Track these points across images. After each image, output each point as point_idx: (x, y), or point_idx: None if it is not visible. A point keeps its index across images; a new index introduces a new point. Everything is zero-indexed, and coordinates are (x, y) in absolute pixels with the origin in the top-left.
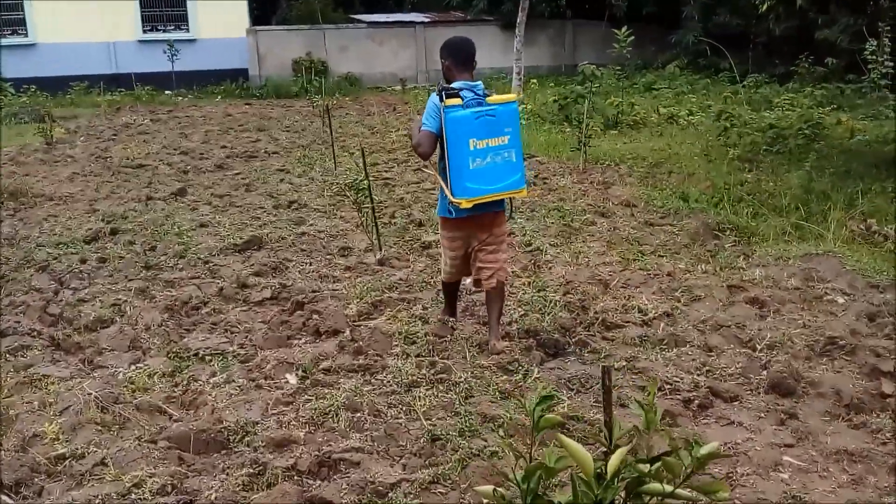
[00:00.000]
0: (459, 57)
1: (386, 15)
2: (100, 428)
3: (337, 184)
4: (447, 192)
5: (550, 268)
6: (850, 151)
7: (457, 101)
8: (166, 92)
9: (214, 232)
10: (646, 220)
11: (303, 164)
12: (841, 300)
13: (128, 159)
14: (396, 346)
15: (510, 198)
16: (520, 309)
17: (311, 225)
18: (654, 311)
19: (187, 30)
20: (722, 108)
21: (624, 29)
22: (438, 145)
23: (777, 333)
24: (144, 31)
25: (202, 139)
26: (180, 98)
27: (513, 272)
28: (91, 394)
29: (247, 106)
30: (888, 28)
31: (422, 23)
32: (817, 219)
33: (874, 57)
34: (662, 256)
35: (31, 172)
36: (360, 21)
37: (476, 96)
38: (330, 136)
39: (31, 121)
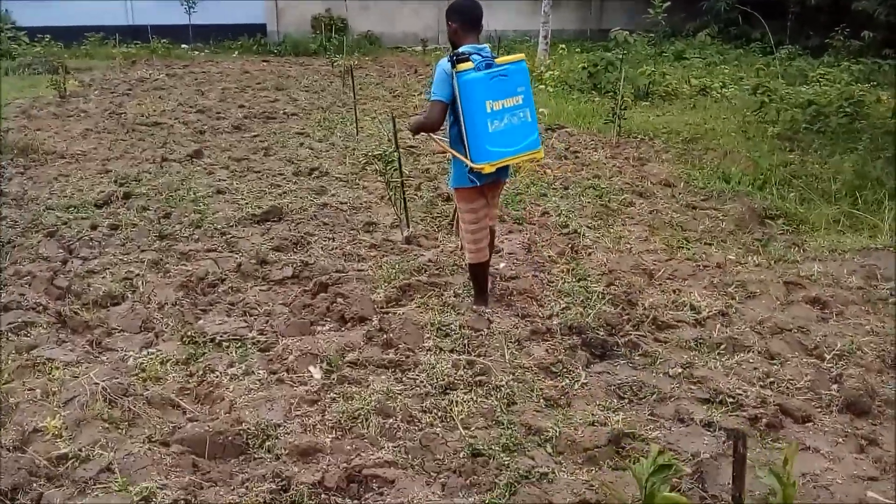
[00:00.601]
0: (467, 19)
1: None
2: (107, 425)
3: (359, 151)
4: (465, 160)
5: (590, 253)
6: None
7: (468, 64)
8: (183, 46)
9: (232, 199)
10: (687, 203)
11: (323, 127)
12: None
13: (143, 116)
14: (428, 338)
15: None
16: (560, 301)
17: (333, 195)
18: (707, 310)
19: None
20: (758, 82)
21: None
22: (450, 113)
23: (844, 341)
24: None
25: (219, 97)
26: (197, 53)
27: (549, 257)
28: (98, 384)
29: (264, 63)
30: None
31: None
32: (871, 207)
33: None
34: (709, 244)
35: (43, 127)
36: None
37: (484, 58)
38: (353, 100)
39: (45, 72)
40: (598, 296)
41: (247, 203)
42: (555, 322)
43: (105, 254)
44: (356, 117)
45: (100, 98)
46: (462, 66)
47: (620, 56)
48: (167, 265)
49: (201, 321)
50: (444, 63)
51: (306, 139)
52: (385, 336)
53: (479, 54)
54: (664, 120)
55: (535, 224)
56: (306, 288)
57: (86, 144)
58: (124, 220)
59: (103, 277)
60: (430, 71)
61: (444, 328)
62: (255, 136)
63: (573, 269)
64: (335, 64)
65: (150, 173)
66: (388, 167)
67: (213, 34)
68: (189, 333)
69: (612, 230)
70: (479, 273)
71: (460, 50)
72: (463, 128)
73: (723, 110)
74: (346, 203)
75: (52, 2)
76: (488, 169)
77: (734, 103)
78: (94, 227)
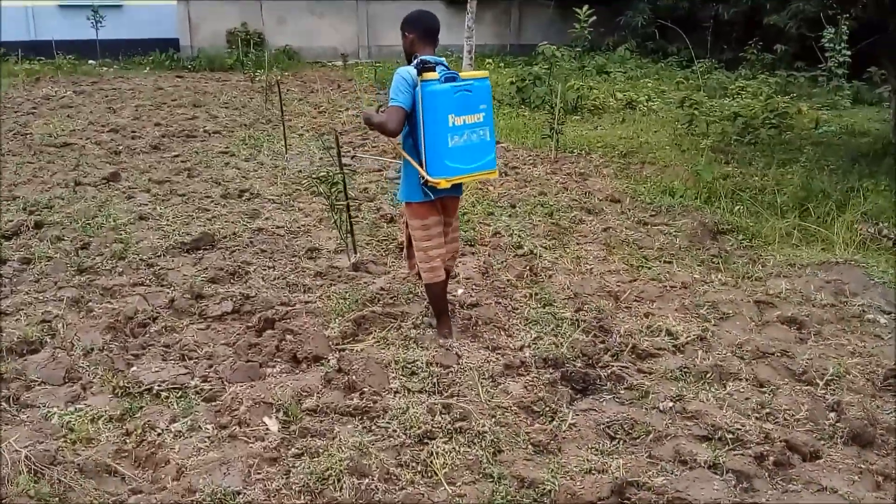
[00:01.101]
0: (425, 30)
1: None
2: (34, 503)
3: (290, 170)
4: (422, 171)
5: (550, 276)
6: (823, 144)
7: (434, 74)
8: (90, 62)
9: (157, 226)
10: (638, 219)
11: (248, 145)
12: (882, 319)
13: (50, 136)
14: (394, 378)
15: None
16: (530, 330)
17: (268, 219)
18: (685, 335)
19: None
20: (684, 95)
21: (585, 8)
22: (407, 123)
23: (829, 363)
24: None
25: (132, 115)
26: (105, 68)
27: (508, 280)
28: (20, 451)
29: (178, 79)
30: (847, 17)
31: None
32: (821, 220)
33: (832, 45)
34: (669, 262)
35: None
36: None
37: (447, 71)
38: (279, 117)
39: None
40: (568, 323)
41: (174, 230)
42: (528, 354)
43: (17, 292)
44: (285, 135)
45: (2, 118)
46: (428, 76)
47: (547, 70)
48: (90, 303)
49: (134, 368)
50: (405, 70)
51: (232, 158)
52: (346, 378)
53: (442, 65)
54: (597, 134)
55: (487, 245)
56: (250, 324)
57: None
58: (37, 253)
59: (17, 320)
60: (352, 86)
61: (409, 366)
62: (175, 156)
63: (536, 294)
64: (256, 79)
65: (63, 199)
66: (333, 189)
67: (123, 49)
68: (121, 383)
69: (568, 250)
70: (437, 294)
71: (426, 58)
72: (421, 139)
73: (652, 123)
74: (282, 227)
75: None
76: (444, 184)
77: (662, 116)
78: (2, 262)
